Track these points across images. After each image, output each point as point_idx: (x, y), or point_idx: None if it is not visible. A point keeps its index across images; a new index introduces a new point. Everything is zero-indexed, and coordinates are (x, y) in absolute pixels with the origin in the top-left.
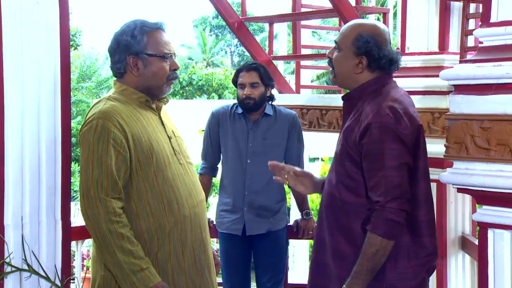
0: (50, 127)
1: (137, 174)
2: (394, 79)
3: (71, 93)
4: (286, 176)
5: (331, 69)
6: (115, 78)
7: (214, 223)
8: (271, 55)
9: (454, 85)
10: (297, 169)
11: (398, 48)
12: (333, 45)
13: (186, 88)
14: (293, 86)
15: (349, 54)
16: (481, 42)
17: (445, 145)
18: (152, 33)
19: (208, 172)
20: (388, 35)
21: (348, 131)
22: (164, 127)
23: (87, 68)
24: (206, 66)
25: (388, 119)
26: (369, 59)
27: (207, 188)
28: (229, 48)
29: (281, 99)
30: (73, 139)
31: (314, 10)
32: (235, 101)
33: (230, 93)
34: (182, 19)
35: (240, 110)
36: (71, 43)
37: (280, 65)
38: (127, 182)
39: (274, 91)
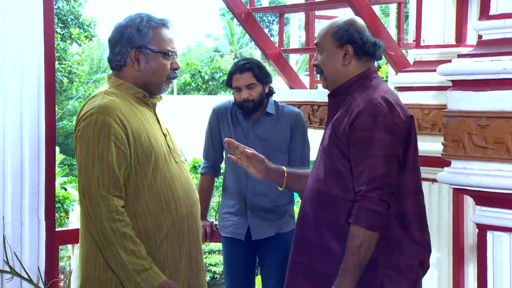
0: (33, 124)
1: (135, 172)
2: (410, 73)
3: (83, 87)
4: (240, 156)
5: (320, 75)
6: (110, 72)
7: (218, 226)
8: (281, 48)
9: (452, 81)
10: (249, 150)
11: (414, 41)
12: None
13: (210, 82)
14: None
15: (333, 49)
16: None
17: (442, 143)
18: (158, 29)
19: (209, 172)
20: (364, 24)
21: (337, 123)
22: (160, 125)
23: (102, 60)
24: (234, 59)
25: (380, 107)
26: (354, 45)
27: (209, 189)
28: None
29: (291, 95)
30: None
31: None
32: None
33: None
34: (208, 7)
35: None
36: (85, 34)
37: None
38: (125, 181)
39: (285, 87)
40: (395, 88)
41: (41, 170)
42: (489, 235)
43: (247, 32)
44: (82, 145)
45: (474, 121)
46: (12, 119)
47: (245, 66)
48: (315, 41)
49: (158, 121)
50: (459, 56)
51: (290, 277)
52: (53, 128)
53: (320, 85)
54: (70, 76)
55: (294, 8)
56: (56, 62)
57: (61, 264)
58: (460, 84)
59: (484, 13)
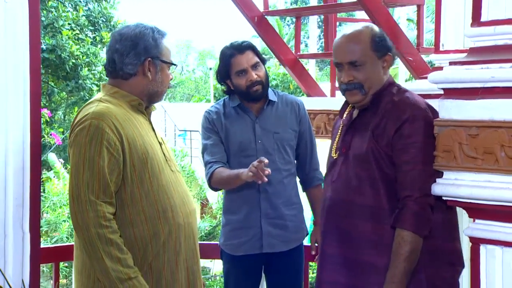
0: (18, 133)
1: (131, 179)
2: (421, 80)
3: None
4: None
5: (355, 91)
6: (104, 82)
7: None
8: (298, 53)
9: (443, 89)
10: None
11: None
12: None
13: None
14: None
15: (374, 62)
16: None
17: (434, 154)
18: (165, 40)
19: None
20: None
21: (378, 129)
22: (155, 133)
23: None
24: None
25: (427, 113)
26: (391, 53)
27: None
28: (310, 40)
29: (306, 103)
30: None
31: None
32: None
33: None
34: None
35: (235, 103)
36: None
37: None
38: (121, 188)
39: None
40: None
41: (25, 181)
42: (482, 248)
43: (260, 36)
44: (75, 149)
45: (465, 131)
46: None
47: (243, 45)
48: (349, 60)
49: (153, 130)
50: (451, 63)
51: None
52: (39, 138)
53: (338, 92)
54: (100, 83)
55: (311, 10)
56: (86, 69)
57: None
58: (451, 93)
59: (476, 20)
